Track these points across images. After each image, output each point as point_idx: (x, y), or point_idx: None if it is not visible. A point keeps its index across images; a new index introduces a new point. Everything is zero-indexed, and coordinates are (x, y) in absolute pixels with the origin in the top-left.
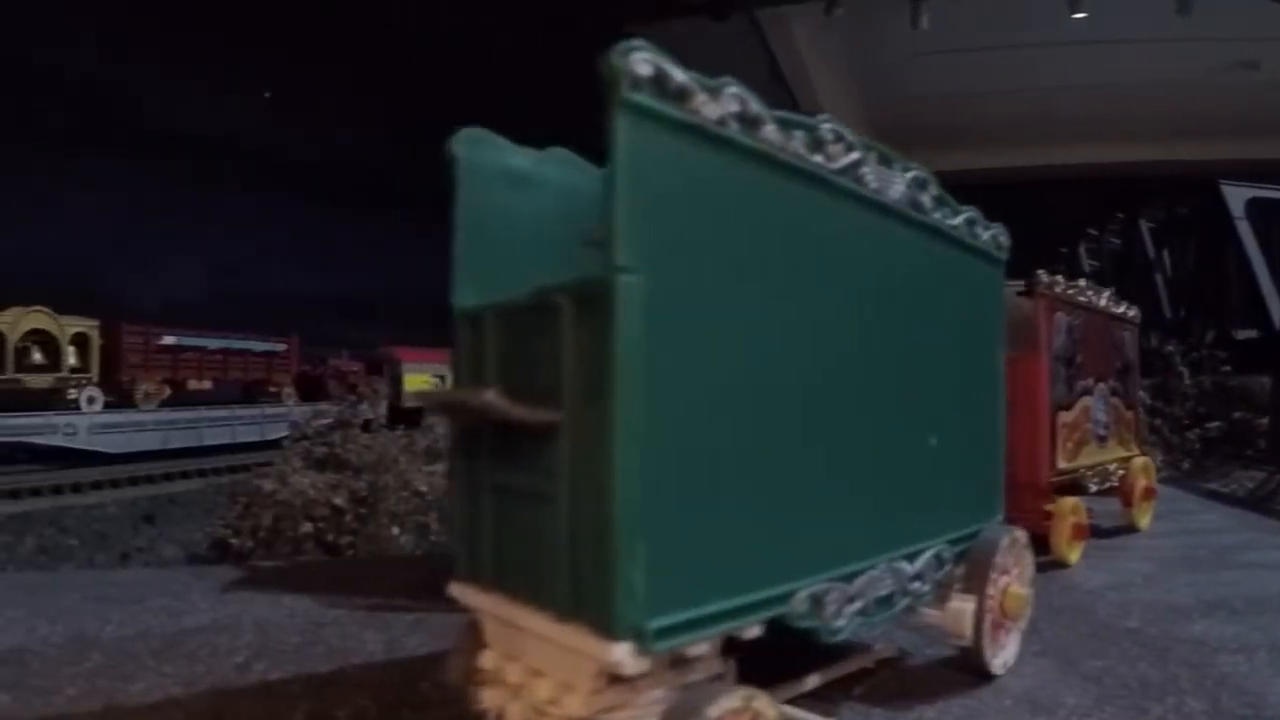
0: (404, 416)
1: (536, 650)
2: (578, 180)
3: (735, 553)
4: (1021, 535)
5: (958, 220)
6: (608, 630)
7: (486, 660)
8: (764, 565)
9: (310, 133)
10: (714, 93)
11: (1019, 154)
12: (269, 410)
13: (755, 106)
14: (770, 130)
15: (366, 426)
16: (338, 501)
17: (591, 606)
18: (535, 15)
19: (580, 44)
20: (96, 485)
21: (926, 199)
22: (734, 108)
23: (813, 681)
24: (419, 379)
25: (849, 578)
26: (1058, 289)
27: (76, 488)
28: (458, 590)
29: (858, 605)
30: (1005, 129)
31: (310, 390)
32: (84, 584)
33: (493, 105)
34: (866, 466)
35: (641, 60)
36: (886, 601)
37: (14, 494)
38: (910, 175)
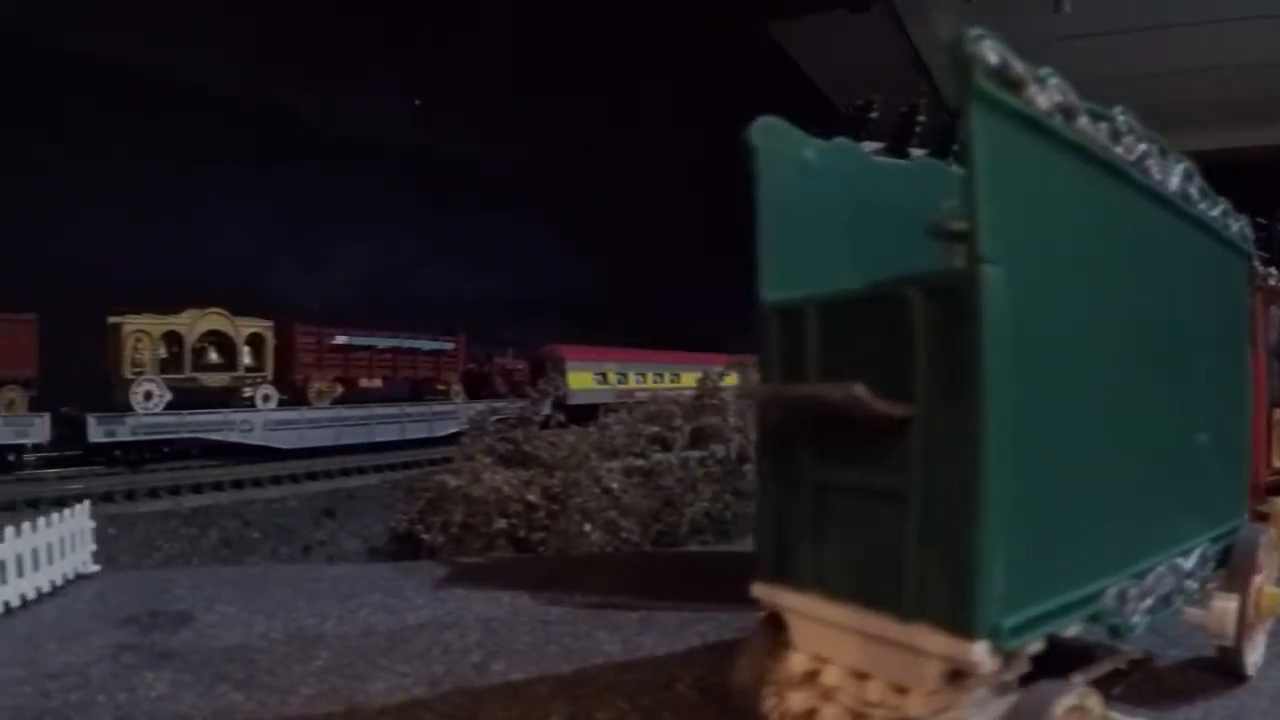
0: (569, 414)
1: (861, 651)
2: (863, 170)
3: (1068, 550)
4: (1274, 533)
5: (1215, 211)
6: (965, 629)
7: (795, 662)
8: (1087, 562)
9: (463, 137)
10: (1042, 83)
11: (1175, 139)
12: (437, 408)
13: (1073, 98)
14: (1084, 122)
15: (546, 423)
16: (531, 498)
17: (943, 605)
18: (685, 14)
19: (729, 40)
20: (276, 480)
21: (1194, 190)
22: (1057, 98)
23: (1077, 682)
24: (583, 377)
25: (1141, 575)
26: (1271, 281)
27: (257, 482)
28: (763, 591)
29: (1148, 603)
30: (1158, 112)
31: (476, 388)
32: (292, 579)
33: (642, 105)
34: (1159, 462)
35: (990, 49)
36: (1166, 600)
37: (197, 488)
38: (1182, 166)
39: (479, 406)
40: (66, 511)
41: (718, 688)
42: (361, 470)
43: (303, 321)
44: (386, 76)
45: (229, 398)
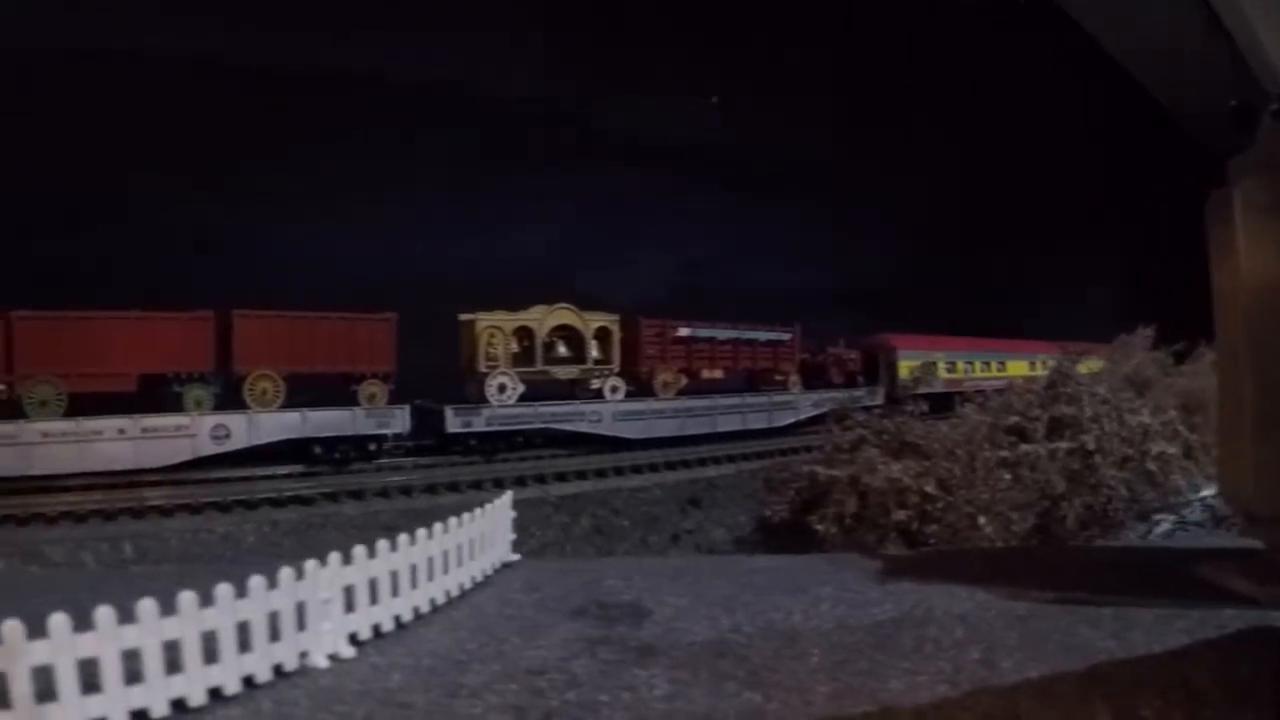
0: (899, 404)
1: None
2: None
3: None
4: None
5: None
6: None
7: None
8: None
9: (764, 132)
10: None
11: None
12: (776, 398)
13: None
14: None
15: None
16: (929, 489)
17: None
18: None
19: (1025, 18)
20: (637, 469)
21: None
22: None
23: None
24: (913, 366)
25: None
26: None
27: (619, 470)
28: None
29: None
30: None
31: (811, 378)
32: (722, 571)
33: (942, 91)
34: None
35: None
36: None
37: (561, 476)
38: None
39: (815, 396)
40: (494, 503)
41: (1241, 685)
42: (716, 460)
43: (647, 315)
44: (684, 75)
45: (576, 390)
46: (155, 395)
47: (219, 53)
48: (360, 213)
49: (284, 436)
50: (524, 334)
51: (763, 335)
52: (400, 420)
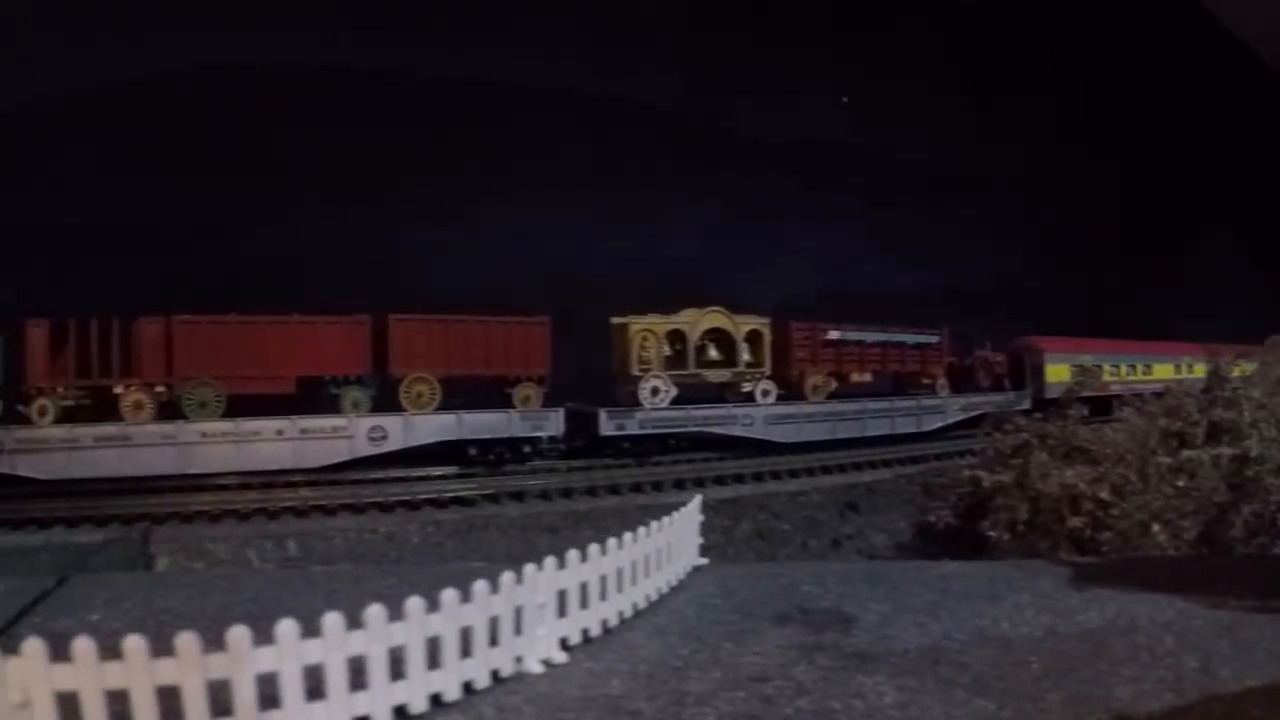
0: (1045, 408)
1: None
2: None
3: None
4: None
5: None
6: None
7: None
8: None
9: (892, 131)
10: None
11: None
12: (925, 402)
13: None
14: None
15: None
16: (1103, 495)
17: None
18: None
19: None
20: (793, 473)
21: None
22: None
23: None
24: (1059, 369)
25: None
26: None
27: (776, 474)
28: None
29: None
30: None
31: (958, 381)
32: (913, 577)
33: (1069, 88)
34: None
35: None
36: None
37: (720, 480)
38: None
39: (962, 400)
40: (686, 507)
41: None
42: (871, 465)
43: (798, 318)
44: (815, 76)
45: (726, 393)
46: (311, 397)
47: (377, 67)
48: (501, 218)
49: (439, 438)
50: (676, 337)
51: (911, 338)
52: (554, 423)
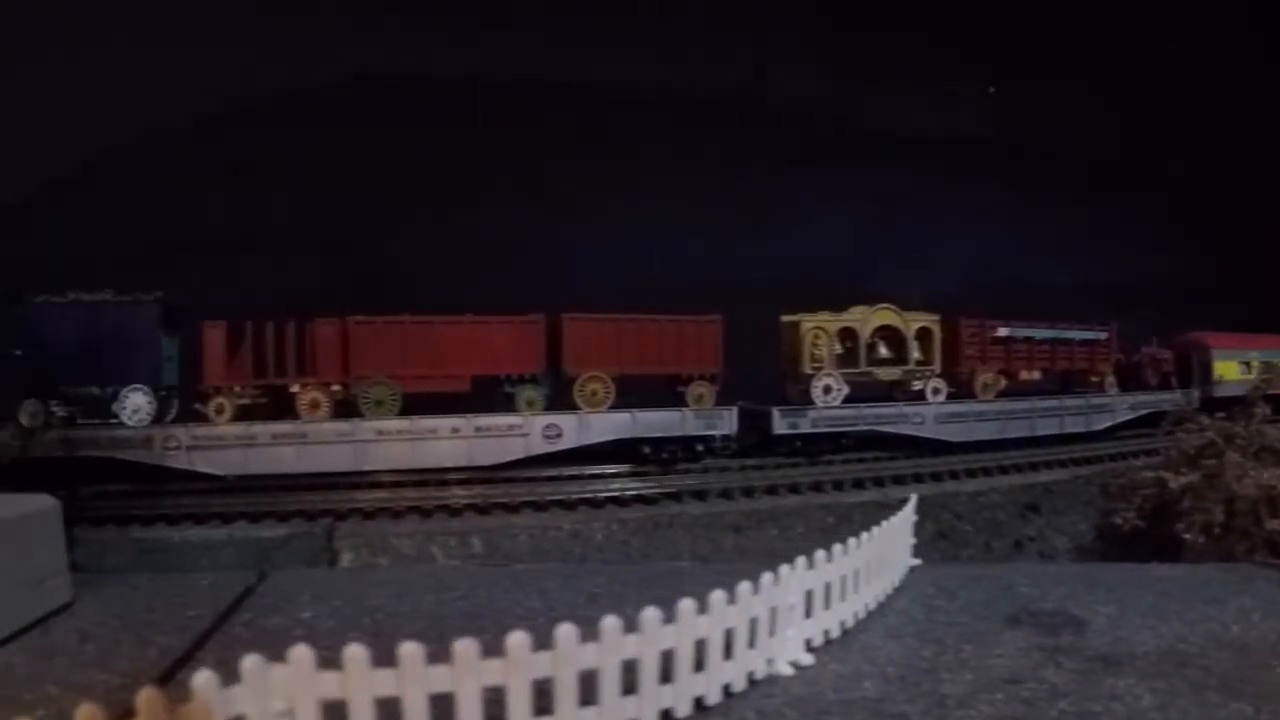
0: (1214, 406)
1: None
2: None
3: None
4: None
5: None
6: None
7: None
8: None
9: (1037, 123)
10: None
11: None
12: (1094, 400)
13: None
14: None
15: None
16: None
17: None
18: None
19: None
20: (971, 473)
21: None
22: None
23: None
24: (1228, 366)
25: None
26: None
27: (954, 474)
28: None
29: None
30: None
31: (1124, 379)
32: (1129, 579)
33: (1216, 79)
34: None
35: None
36: None
37: (898, 479)
38: None
39: (1130, 398)
40: (905, 508)
41: None
42: (1048, 465)
43: (966, 314)
44: (960, 66)
45: (896, 391)
46: (485, 396)
47: (520, 69)
48: (645, 218)
49: (613, 436)
50: (847, 335)
51: (1078, 334)
52: (728, 421)
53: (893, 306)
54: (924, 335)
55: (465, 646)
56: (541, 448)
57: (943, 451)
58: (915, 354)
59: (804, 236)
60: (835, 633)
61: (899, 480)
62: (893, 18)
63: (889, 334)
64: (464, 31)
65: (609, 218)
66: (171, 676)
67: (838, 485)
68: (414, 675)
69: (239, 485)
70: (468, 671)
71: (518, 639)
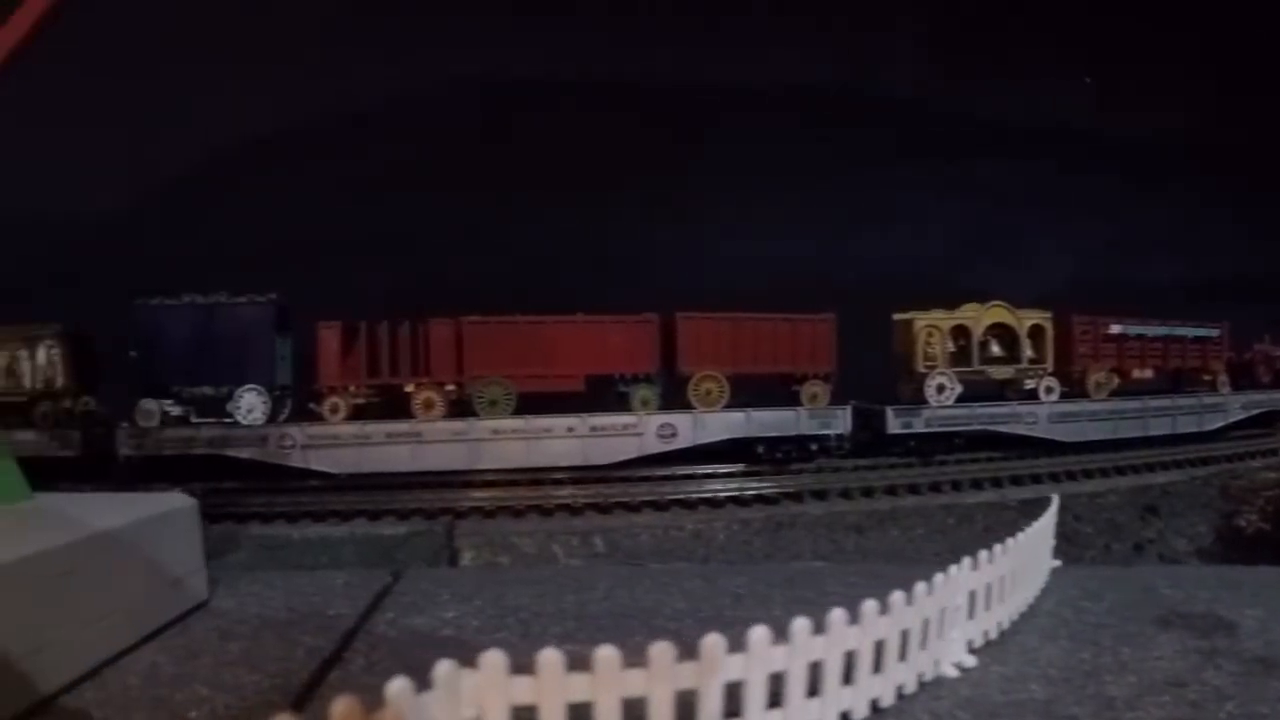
0: None
1: None
2: None
3: None
4: None
5: None
6: None
7: None
8: None
9: (1138, 114)
10: None
11: None
12: (1206, 399)
13: None
14: None
15: None
16: None
17: None
18: None
19: None
20: (1087, 473)
21: None
22: None
23: None
24: None
25: None
26: None
27: (1070, 475)
28: None
29: None
30: None
31: (1237, 377)
32: (1271, 583)
33: None
34: None
35: None
36: None
37: (1016, 480)
38: None
39: (1242, 397)
40: (1049, 509)
41: None
42: (1164, 465)
43: (1078, 311)
44: (1057, 57)
45: (1007, 390)
46: (595, 396)
47: (647, 75)
48: (748, 217)
49: (727, 436)
50: (960, 333)
51: (1191, 332)
52: (842, 420)
53: (1005, 304)
54: (1036, 333)
55: (661, 651)
56: (656, 447)
57: (1054, 452)
58: (1028, 352)
59: (906, 233)
60: (993, 634)
61: (1016, 481)
62: (996, 9)
63: (1001, 332)
64: (572, 36)
65: (716, 217)
66: (322, 678)
67: (956, 485)
68: (609, 680)
69: (350, 484)
70: (660, 678)
71: (713, 640)
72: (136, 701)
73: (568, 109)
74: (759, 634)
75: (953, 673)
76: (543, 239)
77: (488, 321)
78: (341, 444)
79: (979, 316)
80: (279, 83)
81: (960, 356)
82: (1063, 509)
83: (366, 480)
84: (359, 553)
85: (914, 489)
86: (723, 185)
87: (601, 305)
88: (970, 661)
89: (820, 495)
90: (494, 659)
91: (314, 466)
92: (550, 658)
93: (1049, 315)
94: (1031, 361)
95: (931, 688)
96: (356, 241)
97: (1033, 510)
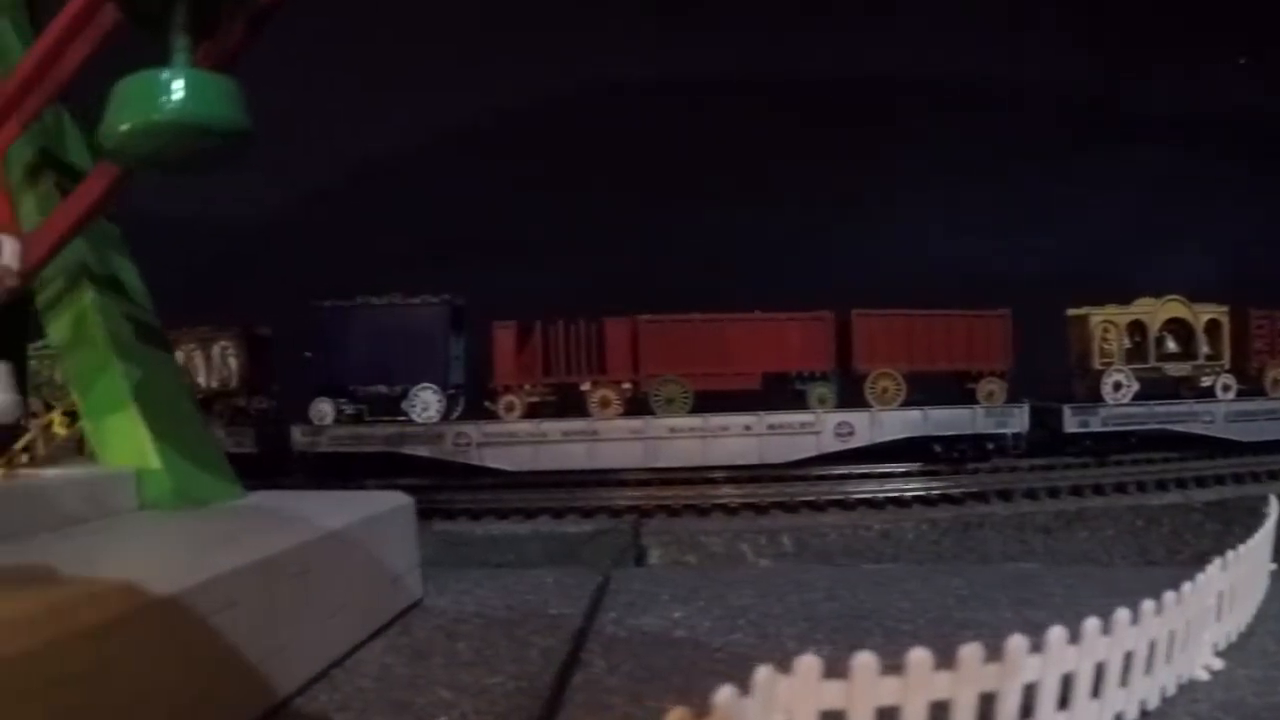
0: None
1: None
2: None
3: None
4: None
5: None
6: None
7: None
8: None
9: None
10: None
11: None
12: None
13: None
14: None
15: None
16: None
17: None
18: None
19: None
20: (1273, 475)
21: None
22: None
23: None
24: None
25: None
26: None
27: (1255, 476)
28: None
29: None
30: None
31: None
32: None
33: None
34: None
35: None
36: None
37: (1200, 481)
38: None
39: None
40: (1272, 513)
41: None
42: None
43: (1255, 305)
44: (1207, 39)
45: (1182, 387)
46: (773, 394)
47: (812, 71)
48: (914, 214)
49: (904, 435)
50: (1135, 329)
51: None
52: (1019, 419)
53: (1181, 298)
54: (1213, 328)
55: (971, 653)
56: (833, 445)
57: (1231, 452)
58: (1204, 348)
59: (1071, 226)
60: (1233, 637)
61: (1201, 482)
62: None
63: (1176, 327)
64: (736, 32)
65: (889, 216)
66: (565, 681)
67: (1140, 486)
68: (919, 684)
69: (529, 481)
70: (968, 680)
71: (1017, 642)
72: (375, 705)
73: (737, 106)
74: (1056, 634)
75: (1203, 675)
76: (713, 239)
77: (663, 320)
78: (518, 442)
79: (1155, 311)
80: (448, 86)
81: (1136, 353)
82: (1250, 512)
83: (543, 478)
84: (545, 550)
85: (1098, 489)
86: (893, 183)
87: (775, 303)
88: (1218, 664)
89: (1005, 496)
90: (809, 664)
91: (490, 464)
92: (864, 661)
93: (1226, 310)
94: (1208, 358)
95: (1187, 690)
96: (528, 242)
97: (1220, 514)
